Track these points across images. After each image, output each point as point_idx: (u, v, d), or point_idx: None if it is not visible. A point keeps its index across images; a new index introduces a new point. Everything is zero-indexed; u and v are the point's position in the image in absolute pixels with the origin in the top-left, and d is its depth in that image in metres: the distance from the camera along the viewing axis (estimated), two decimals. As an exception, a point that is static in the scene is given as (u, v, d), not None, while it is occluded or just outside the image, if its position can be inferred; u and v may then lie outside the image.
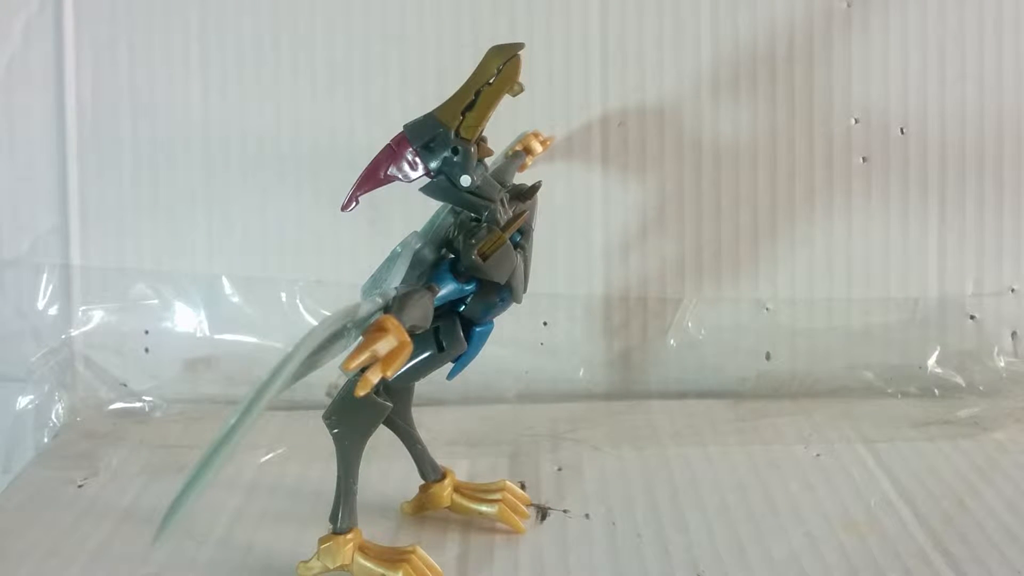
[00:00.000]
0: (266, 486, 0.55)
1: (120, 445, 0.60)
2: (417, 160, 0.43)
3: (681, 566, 0.47)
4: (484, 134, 0.44)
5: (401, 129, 0.44)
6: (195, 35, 0.66)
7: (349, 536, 0.45)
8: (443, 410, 0.64)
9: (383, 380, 0.39)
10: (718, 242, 0.67)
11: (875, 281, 0.68)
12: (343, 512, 0.45)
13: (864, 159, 0.67)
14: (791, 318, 0.68)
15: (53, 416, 0.65)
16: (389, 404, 0.45)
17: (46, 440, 0.63)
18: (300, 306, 0.67)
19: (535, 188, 0.49)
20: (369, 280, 0.45)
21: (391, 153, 0.44)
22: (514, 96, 0.44)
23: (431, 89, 0.65)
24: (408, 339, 0.39)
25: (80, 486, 0.55)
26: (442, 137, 0.43)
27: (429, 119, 0.44)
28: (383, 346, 0.38)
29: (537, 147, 0.59)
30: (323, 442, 0.45)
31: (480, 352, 0.47)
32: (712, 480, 0.55)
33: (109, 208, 0.67)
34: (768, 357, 0.68)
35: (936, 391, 0.67)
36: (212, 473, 0.33)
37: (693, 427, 0.62)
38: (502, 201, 0.46)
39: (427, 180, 0.44)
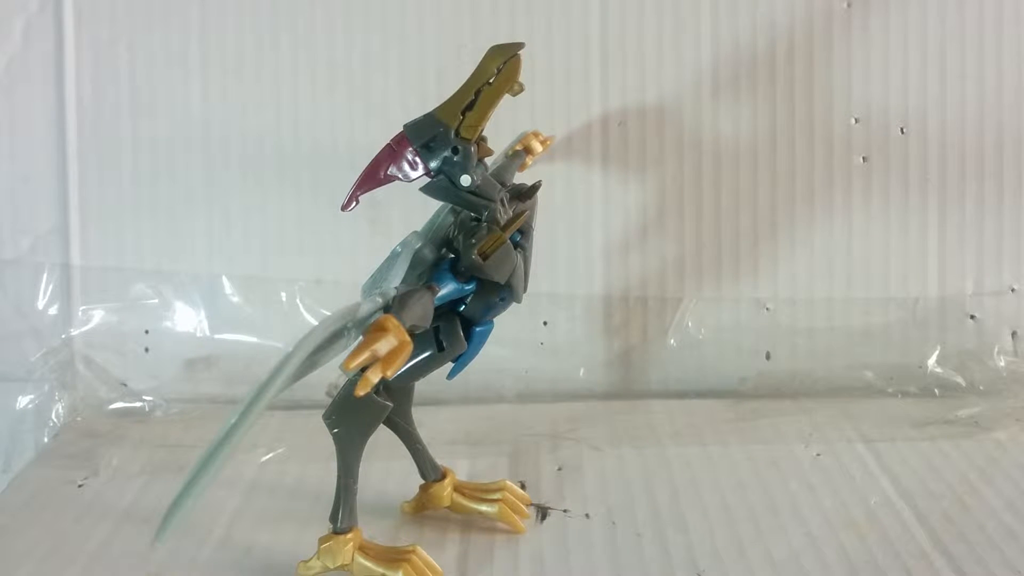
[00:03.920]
0: (266, 486, 0.55)
1: (120, 445, 0.60)
2: (417, 160, 0.43)
3: (681, 566, 0.47)
4: (484, 134, 0.44)
5: (401, 129, 0.44)
6: (195, 35, 0.66)
7: (349, 536, 0.45)
8: (443, 410, 0.64)
9: (383, 380, 0.39)
10: (718, 242, 0.67)
11: (875, 281, 0.68)
12: (343, 512, 0.45)
13: (864, 159, 0.67)
14: (791, 318, 0.68)
15: (53, 416, 0.65)
16: (389, 404, 0.45)
17: (46, 440, 0.63)
18: (300, 306, 0.67)
19: (535, 188, 0.49)
20: (369, 280, 0.45)
21: (391, 153, 0.44)
22: (514, 96, 0.44)
23: (431, 89, 0.65)
24: (408, 339, 0.39)
25: (80, 486, 0.55)
26: (442, 137, 0.43)
27: (429, 119, 0.44)
28: (383, 346, 0.38)
29: (537, 147, 0.59)
30: (323, 442, 0.45)
31: (480, 352, 0.47)
32: (712, 480, 0.55)
33: (109, 208, 0.67)
34: (768, 357, 0.68)
35: (936, 391, 0.67)
36: (212, 473, 0.33)
37: (693, 427, 0.62)
38: (502, 201, 0.46)
39: (427, 180, 0.44)
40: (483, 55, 0.44)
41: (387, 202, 0.60)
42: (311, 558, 0.45)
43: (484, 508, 0.50)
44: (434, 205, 0.47)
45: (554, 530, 0.50)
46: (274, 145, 0.67)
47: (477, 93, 0.43)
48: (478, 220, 0.45)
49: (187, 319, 0.67)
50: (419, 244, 0.44)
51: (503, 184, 0.48)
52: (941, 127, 0.67)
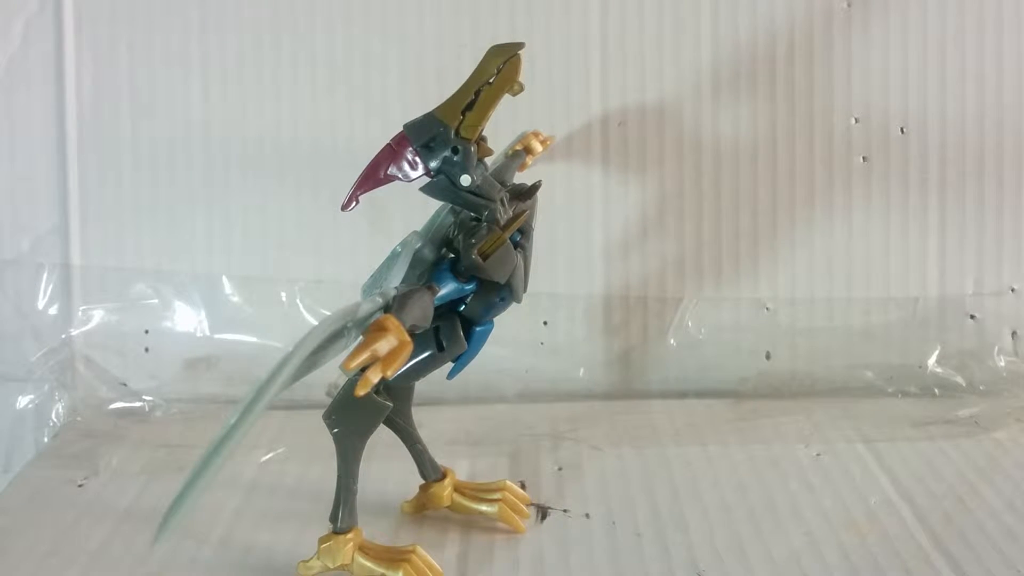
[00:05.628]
0: (266, 486, 0.55)
1: (120, 445, 0.60)
2: (417, 160, 0.43)
3: (681, 566, 0.47)
4: (484, 134, 0.44)
5: (401, 129, 0.44)
6: (195, 35, 0.66)
7: (349, 536, 0.45)
8: (443, 410, 0.64)
9: (383, 380, 0.39)
10: (718, 242, 0.67)
11: (875, 281, 0.68)
12: (343, 512, 0.45)
13: (864, 159, 0.67)
14: (791, 318, 0.68)
15: (53, 416, 0.65)
16: (389, 404, 0.45)
17: (46, 440, 0.63)
18: (300, 306, 0.67)
19: (535, 188, 0.49)
20: (369, 279, 0.45)
21: (391, 153, 0.44)
22: (514, 96, 0.44)
23: (431, 89, 0.65)
24: (408, 339, 0.39)
25: (80, 486, 0.55)
26: (442, 136, 0.43)
27: (429, 118, 0.44)
28: (383, 346, 0.38)
29: (537, 147, 0.59)
30: (323, 442, 0.45)
31: (480, 352, 0.47)
32: (712, 480, 0.55)
33: (109, 208, 0.67)
34: (768, 357, 0.68)
35: (936, 391, 0.67)
36: (212, 473, 0.33)
37: (693, 427, 0.62)
38: (502, 201, 0.46)
39: (427, 180, 0.44)
40: (483, 55, 0.44)
41: (387, 202, 0.60)
42: (311, 558, 0.45)
43: (484, 508, 0.50)
44: (434, 205, 0.47)
45: (554, 530, 0.50)
46: (274, 145, 0.67)
47: (477, 93, 0.43)
48: (478, 220, 0.45)
49: (187, 319, 0.67)
50: (419, 244, 0.44)
51: (503, 184, 0.48)
52: (941, 127, 0.67)
